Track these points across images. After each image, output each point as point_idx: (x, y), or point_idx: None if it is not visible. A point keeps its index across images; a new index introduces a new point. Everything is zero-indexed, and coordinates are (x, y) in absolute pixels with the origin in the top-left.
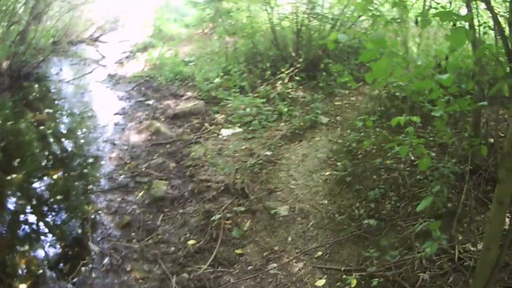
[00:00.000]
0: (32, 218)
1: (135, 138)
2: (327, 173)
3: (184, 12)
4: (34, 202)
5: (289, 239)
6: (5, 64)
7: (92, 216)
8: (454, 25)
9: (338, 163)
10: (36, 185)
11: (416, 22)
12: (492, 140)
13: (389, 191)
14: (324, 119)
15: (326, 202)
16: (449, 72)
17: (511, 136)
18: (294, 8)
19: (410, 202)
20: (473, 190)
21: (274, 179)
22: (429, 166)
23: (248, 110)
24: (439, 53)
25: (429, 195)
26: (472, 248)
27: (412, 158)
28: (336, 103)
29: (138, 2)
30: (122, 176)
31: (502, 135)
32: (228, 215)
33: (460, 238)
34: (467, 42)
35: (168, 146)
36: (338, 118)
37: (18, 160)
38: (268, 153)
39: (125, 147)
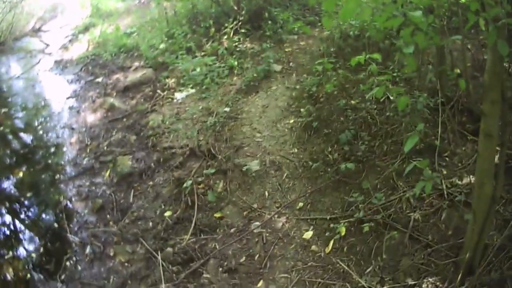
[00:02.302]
0: (6, 219)
1: (91, 118)
2: (291, 120)
3: None
4: (5, 203)
5: (266, 194)
6: None
7: (65, 206)
8: None
9: (301, 110)
10: (3, 185)
11: None
12: (458, 71)
13: (360, 131)
14: (277, 67)
15: (296, 150)
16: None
17: (490, 67)
18: None
19: (384, 140)
20: (448, 122)
21: (239, 135)
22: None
23: (198, 69)
24: None
25: (414, 134)
26: (459, 182)
27: (391, 98)
28: (287, 50)
29: None
30: (86, 159)
31: (468, 64)
32: (199, 179)
33: (445, 172)
34: None
35: (125, 119)
36: (291, 64)
37: None
38: (227, 109)
39: (83, 129)
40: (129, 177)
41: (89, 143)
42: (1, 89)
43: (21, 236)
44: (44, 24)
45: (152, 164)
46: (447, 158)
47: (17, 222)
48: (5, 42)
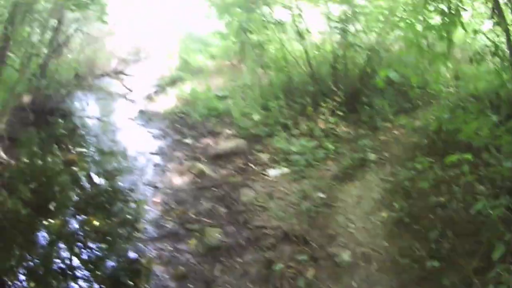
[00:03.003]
0: (79, 272)
1: (178, 180)
2: (384, 214)
3: (208, 42)
4: (77, 251)
5: (354, 285)
6: (27, 99)
7: (144, 266)
8: None
9: (394, 204)
10: (77, 232)
11: (471, 61)
12: None
13: (446, 229)
14: (372, 156)
15: (386, 244)
16: None
17: None
18: (327, 36)
19: (466, 240)
20: None
21: (333, 224)
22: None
23: (293, 149)
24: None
25: (500, 245)
26: None
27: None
28: (381, 138)
29: (159, 32)
30: (170, 223)
31: None
32: (290, 263)
33: None
34: None
35: (215, 189)
36: (385, 154)
37: (53, 203)
38: (322, 195)
39: (169, 191)
40: (216, 250)
41: (174, 206)
42: (77, 126)
43: None
44: (127, 67)
45: (242, 241)
46: None
47: (91, 276)
48: (83, 76)
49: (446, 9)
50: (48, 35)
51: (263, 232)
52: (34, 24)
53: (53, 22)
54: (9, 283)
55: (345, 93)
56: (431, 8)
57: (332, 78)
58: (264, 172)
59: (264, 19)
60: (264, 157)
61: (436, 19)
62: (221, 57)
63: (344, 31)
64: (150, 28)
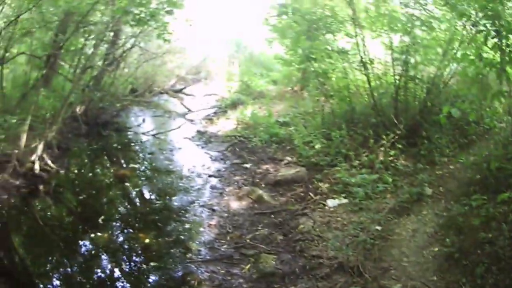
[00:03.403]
0: (119, 283)
1: (235, 205)
2: (436, 249)
3: (270, 66)
4: (124, 267)
5: None
6: (79, 109)
7: None
8: None
9: (446, 239)
10: (125, 247)
11: None
12: None
13: (492, 265)
14: (429, 191)
15: (435, 278)
16: None
17: None
18: (388, 67)
19: (508, 275)
20: None
21: (387, 256)
22: None
23: (353, 180)
24: None
25: None
26: None
27: None
28: (438, 172)
29: (220, 53)
30: (224, 246)
31: None
32: None
33: None
34: None
35: (272, 216)
36: (441, 189)
37: (102, 217)
38: (379, 228)
39: (226, 215)
40: (270, 277)
41: (230, 230)
42: (131, 141)
43: None
44: (186, 86)
45: (297, 270)
46: None
47: (128, 285)
48: (139, 91)
49: (505, 47)
50: (104, 48)
51: (318, 261)
52: (88, 35)
53: (110, 35)
54: (40, 285)
55: (405, 126)
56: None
57: (393, 110)
58: (323, 202)
59: (328, 47)
60: (324, 186)
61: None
62: (282, 83)
63: (405, 63)
64: (211, 49)
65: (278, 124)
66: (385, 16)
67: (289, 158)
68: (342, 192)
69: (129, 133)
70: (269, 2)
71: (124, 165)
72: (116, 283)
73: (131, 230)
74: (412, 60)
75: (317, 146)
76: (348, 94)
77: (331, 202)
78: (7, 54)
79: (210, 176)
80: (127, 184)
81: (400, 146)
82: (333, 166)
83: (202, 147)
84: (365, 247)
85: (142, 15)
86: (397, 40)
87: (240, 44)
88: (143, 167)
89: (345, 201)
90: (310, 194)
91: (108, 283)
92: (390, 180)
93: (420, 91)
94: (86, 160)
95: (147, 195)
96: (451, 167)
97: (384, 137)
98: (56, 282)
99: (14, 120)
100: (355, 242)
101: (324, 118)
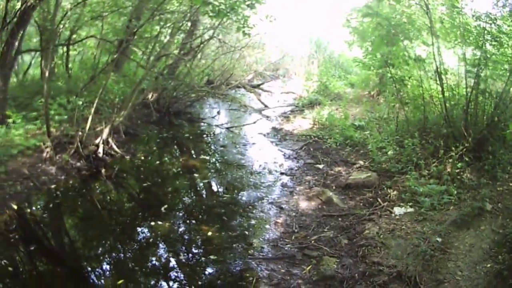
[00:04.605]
0: (179, 278)
1: (304, 204)
2: (489, 265)
3: (348, 69)
4: (181, 258)
5: None
6: (151, 96)
7: (253, 284)
8: None
9: (499, 256)
10: (185, 238)
11: None
12: None
13: None
14: (489, 206)
15: None
16: None
17: None
18: (462, 79)
19: None
20: None
21: (443, 269)
22: None
23: (421, 189)
24: None
25: None
26: None
27: None
28: (498, 188)
29: (299, 52)
30: (288, 246)
31: None
32: None
33: None
34: None
35: (340, 219)
36: (500, 205)
37: (165, 206)
38: (439, 239)
39: (293, 214)
40: (329, 280)
41: (296, 230)
42: (204, 132)
43: None
44: (264, 82)
45: (357, 275)
46: None
47: (191, 285)
48: (218, 86)
49: None
50: (180, 37)
51: (378, 268)
52: (164, 24)
53: (187, 25)
54: (88, 269)
55: (473, 139)
56: None
57: (463, 123)
58: (390, 209)
59: (406, 53)
60: (393, 193)
61: None
62: (360, 86)
63: (477, 76)
64: (290, 47)
65: (354, 127)
66: (459, 28)
67: (361, 162)
68: (409, 200)
69: (202, 124)
70: (350, 4)
71: (194, 156)
72: (170, 272)
73: (193, 221)
74: (483, 74)
75: (390, 153)
76: (422, 102)
77: (397, 210)
78: (73, 36)
79: (282, 173)
80: (195, 175)
81: (467, 159)
82: (403, 173)
83: (276, 144)
84: (424, 258)
85: (222, 7)
86: (469, 53)
87: (320, 44)
88: (214, 159)
89: (411, 209)
90: (379, 200)
91: (162, 271)
92: (455, 192)
93: (488, 106)
94: (154, 148)
95: (215, 187)
96: (511, 184)
97: (453, 148)
98: (106, 267)
99: (80, 102)
100: (415, 252)
101: (398, 125)
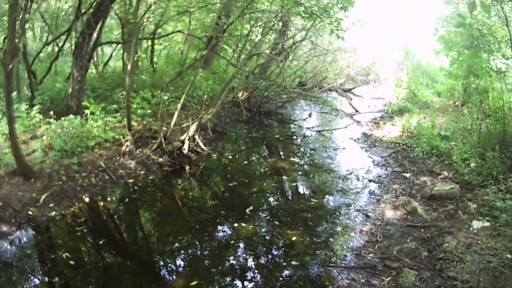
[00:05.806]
0: (256, 280)
1: (390, 214)
2: None
3: (435, 77)
4: (260, 261)
5: None
6: (241, 95)
7: None
8: None
9: None
10: (266, 239)
11: None
12: None
13: None
14: None
15: None
16: None
17: None
18: None
19: None
20: None
21: (510, 287)
22: None
23: (499, 203)
24: None
25: None
26: None
27: None
28: None
29: (389, 58)
30: (370, 255)
31: None
32: None
33: None
34: None
35: (422, 230)
36: None
37: (250, 208)
38: (510, 256)
39: (379, 223)
40: None
41: (380, 239)
42: (294, 134)
43: None
44: (355, 86)
45: None
46: None
47: (259, 276)
48: (310, 88)
49: None
50: (272, 37)
51: (453, 283)
52: (255, 23)
53: (279, 25)
54: (161, 263)
55: None
56: None
57: None
58: (469, 222)
59: (488, 65)
60: (472, 207)
61: None
62: (445, 96)
63: None
64: (381, 53)
65: (440, 137)
66: None
67: (445, 173)
68: (487, 214)
69: (292, 125)
70: (438, 13)
71: (283, 157)
72: (247, 273)
73: (277, 224)
74: None
75: (472, 165)
76: (502, 115)
77: (476, 224)
78: (159, 30)
79: (370, 180)
80: (283, 177)
81: None
82: (483, 186)
83: (366, 150)
84: (494, 275)
85: (315, 8)
86: None
87: (409, 51)
88: (303, 162)
89: (487, 224)
90: (459, 212)
91: (238, 272)
92: None
93: None
94: (242, 147)
95: (302, 191)
96: None
97: None
98: (180, 263)
99: (166, 97)
100: (487, 267)
101: (480, 137)
